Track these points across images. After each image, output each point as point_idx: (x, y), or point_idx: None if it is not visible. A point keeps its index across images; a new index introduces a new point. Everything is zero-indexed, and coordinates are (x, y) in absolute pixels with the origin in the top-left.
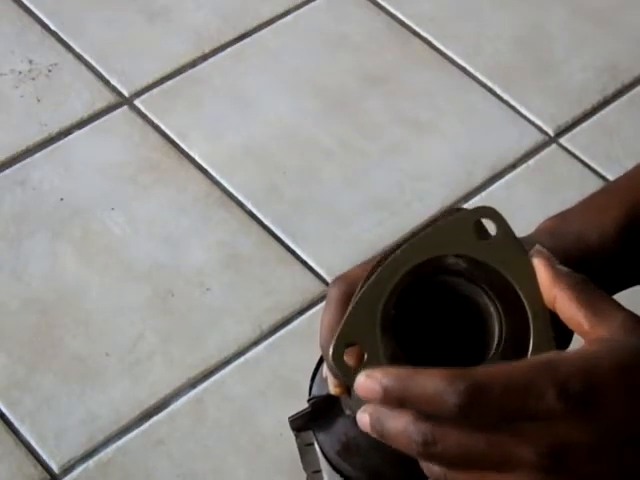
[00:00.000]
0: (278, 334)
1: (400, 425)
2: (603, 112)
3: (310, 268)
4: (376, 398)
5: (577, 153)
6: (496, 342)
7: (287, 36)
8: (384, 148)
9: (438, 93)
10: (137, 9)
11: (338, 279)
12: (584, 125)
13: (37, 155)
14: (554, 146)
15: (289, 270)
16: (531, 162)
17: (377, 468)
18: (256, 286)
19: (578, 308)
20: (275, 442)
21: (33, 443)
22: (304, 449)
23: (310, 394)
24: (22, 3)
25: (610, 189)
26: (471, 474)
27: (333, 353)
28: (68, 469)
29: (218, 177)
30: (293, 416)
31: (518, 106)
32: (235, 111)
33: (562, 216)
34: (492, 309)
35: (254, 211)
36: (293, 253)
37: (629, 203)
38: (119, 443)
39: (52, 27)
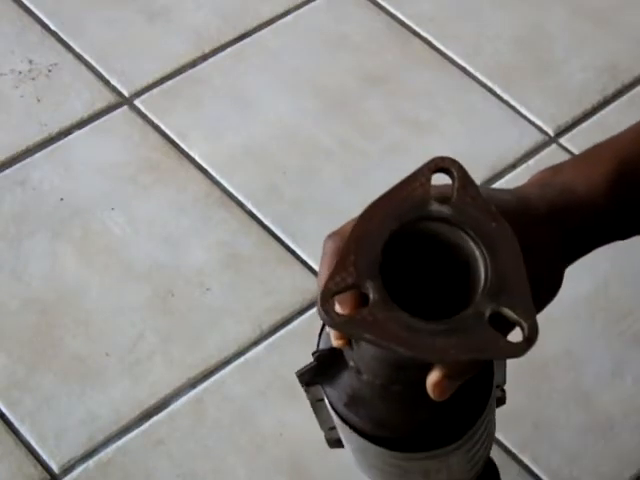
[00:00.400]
0: (278, 334)
1: None
2: (603, 112)
3: (310, 268)
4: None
5: (577, 153)
6: (482, 284)
7: (287, 36)
8: (384, 148)
9: (438, 93)
10: (137, 9)
11: (333, 234)
12: (584, 125)
13: (37, 155)
14: (554, 146)
15: (289, 270)
16: (531, 162)
17: (382, 418)
18: (256, 286)
19: None
20: (275, 442)
21: (33, 443)
22: (316, 405)
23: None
24: (22, 3)
25: (603, 145)
26: None
27: (321, 301)
28: (68, 469)
29: (218, 177)
30: (300, 370)
31: (518, 106)
32: (235, 111)
33: (554, 168)
34: (477, 253)
35: (254, 211)
36: (293, 253)
37: (620, 158)
38: (119, 443)
39: (52, 27)
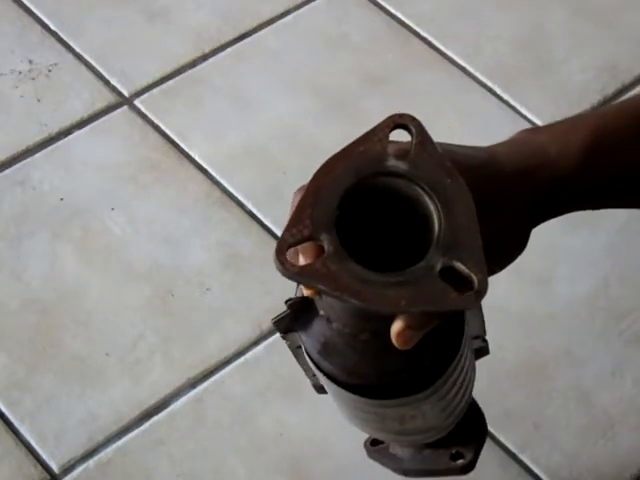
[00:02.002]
0: (278, 334)
1: None
2: None
3: None
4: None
5: None
6: (435, 238)
7: (287, 36)
8: None
9: (438, 93)
10: (137, 9)
11: (300, 190)
12: None
13: (37, 155)
14: None
15: None
16: None
17: (353, 366)
18: (256, 286)
19: None
20: (275, 442)
21: (33, 443)
22: (296, 352)
23: None
24: (22, 3)
25: (587, 114)
26: None
27: (276, 251)
28: (68, 469)
29: (218, 177)
30: (275, 318)
31: (518, 106)
32: (235, 111)
33: (534, 129)
34: (432, 207)
35: (254, 211)
36: None
37: (599, 127)
38: (119, 443)
39: (52, 27)
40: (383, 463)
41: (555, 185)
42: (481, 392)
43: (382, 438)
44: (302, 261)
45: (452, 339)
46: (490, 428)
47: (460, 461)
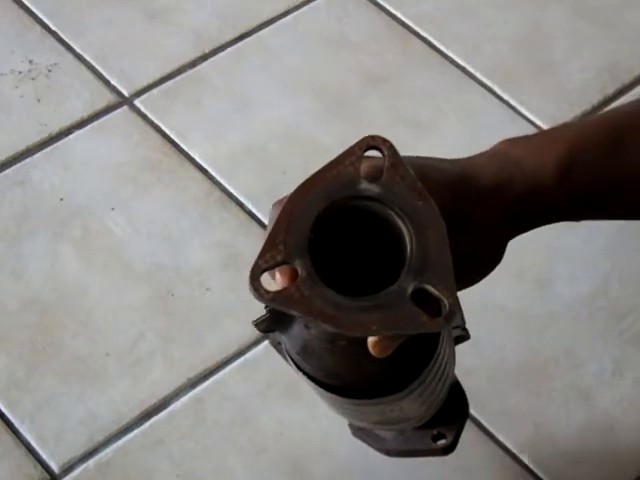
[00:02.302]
0: None
1: None
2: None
3: None
4: None
5: None
6: (407, 262)
7: (287, 36)
8: None
9: (438, 93)
10: (137, 9)
11: (278, 202)
12: None
13: (37, 155)
14: None
15: None
16: None
17: (331, 369)
18: None
19: None
20: (275, 442)
21: (33, 443)
22: (278, 348)
23: None
24: (22, 3)
25: (566, 125)
26: None
27: (250, 277)
28: (68, 469)
29: (218, 177)
30: (256, 320)
31: (518, 106)
32: (235, 111)
33: (513, 140)
34: (404, 230)
35: (254, 211)
36: None
37: (575, 141)
38: (119, 443)
39: (52, 27)
40: (367, 442)
41: (529, 199)
42: (481, 392)
43: (363, 426)
44: (278, 281)
45: (429, 340)
46: (490, 428)
47: (441, 442)
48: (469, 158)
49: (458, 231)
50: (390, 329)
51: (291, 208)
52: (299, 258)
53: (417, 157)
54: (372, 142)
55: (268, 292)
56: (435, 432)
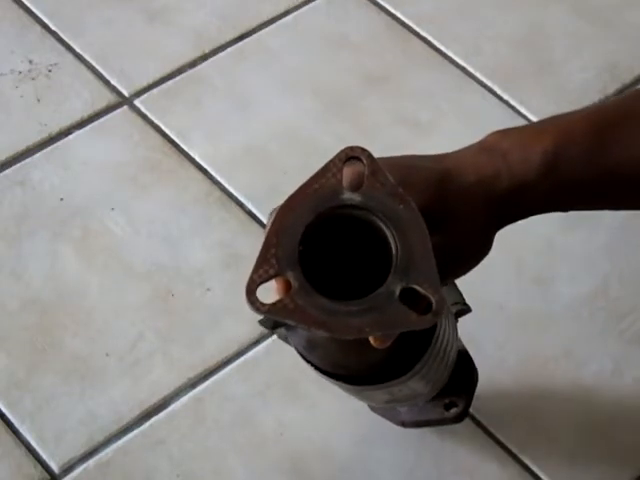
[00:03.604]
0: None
1: None
2: None
3: None
4: None
5: None
6: (393, 264)
7: (287, 36)
8: (384, 148)
9: (438, 93)
10: (137, 9)
11: (275, 210)
12: None
13: (37, 155)
14: None
15: None
16: None
17: (337, 360)
18: None
19: None
20: (275, 442)
21: (33, 443)
22: (286, 341)
23: None
24: (22, 3)
25: (555, 118)
26: None
27: (246, 292)
28: (68, 469)
29: (218, 177)
30: (261, 320)
31: (518, 106)
32: (235, 111)
33: (502, 133)
34: (388, 234)
35: (254, 211)
36: None
37: (561, 134)
38: (119, 443)
39: (52, 27)
40: (383, 415)
41: (515, 193)
42: (481, 392)
43: (373, 405)
44: (276, 289)
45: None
46: (490, 428)
47: (453, 409)
48: (456, 152)
49: (444, 227)
50: (383, 329)
51: (279, 224)
52: (291, 270)
53: (401, 157)
54: (351, 152)
55: (264, 305)
56: (447, 401)
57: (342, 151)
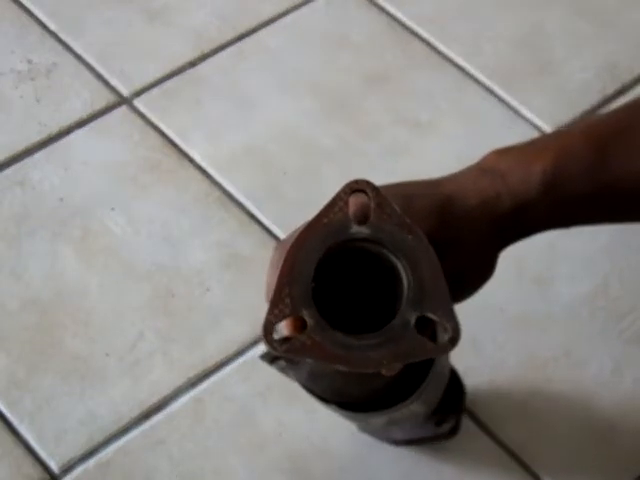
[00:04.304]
0: None
1: None
2: (603, 112)
3: None
4: None
5: None
6: (405, 294)
7: (287, 36)
8: (384, 148)
9: (438, 93)
10: (137, 9)
11: (281, 244)
12: None
13: (37, 155)
14: None
15: None
16: None
17: (340, 389)
18: (256, 286)
19: None
20: (275, 442)
21: (33, 443)
22: (282, 372)
23: None
24: (22, 3)
25: (556, 134)
26: None
27: (264, 333)
28: (68, 469)
29: (218, 177)
30: (261, 354)
31: (518, 106)
32: (235, 111)
33: (501, 152)
34: (399, 265)
35: (254, 211)
36: None
37: (561, 151)
38: (119, 443)
39: (52, 27)
40: (373, 436)
41: (516, 213)
42: (481, 392)
43: (370, 429)
44: (286, 326)
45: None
46: (490, 427)
47: (445, 426)
48: (455, 176)
49: (450, 252)
50: (401, 360)
51: (291, 262)
52: (305, 308)
53: (401, 185)
54: (356, 186)
55: (282, 344)
56: (438, 417)
57: (347, 185)
